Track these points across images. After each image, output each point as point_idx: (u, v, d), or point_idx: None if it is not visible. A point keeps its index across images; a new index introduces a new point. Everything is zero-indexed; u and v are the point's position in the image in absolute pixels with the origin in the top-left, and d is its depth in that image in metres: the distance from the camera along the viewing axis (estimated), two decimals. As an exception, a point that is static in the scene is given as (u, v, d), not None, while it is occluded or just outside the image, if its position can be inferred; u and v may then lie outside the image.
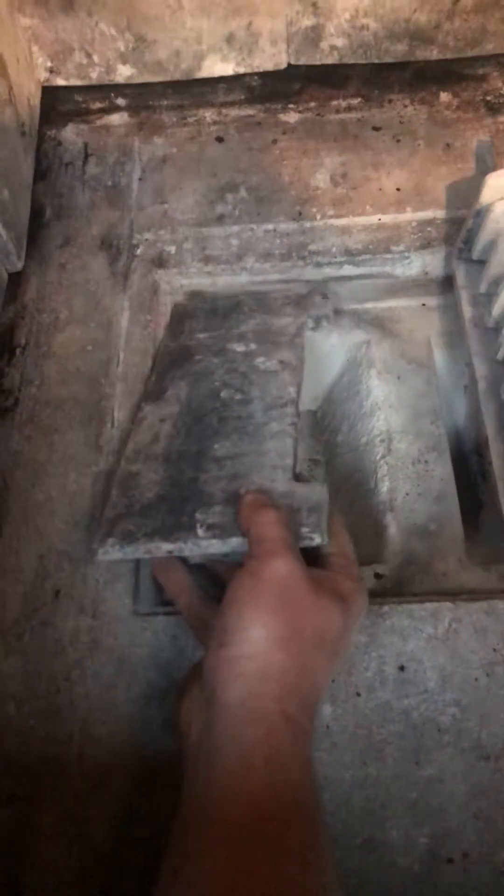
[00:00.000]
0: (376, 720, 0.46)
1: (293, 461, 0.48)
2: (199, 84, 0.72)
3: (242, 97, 0.74)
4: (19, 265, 0.63)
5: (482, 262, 0.58)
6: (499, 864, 0.42)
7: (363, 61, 0.70)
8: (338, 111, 0.73)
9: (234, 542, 0.43)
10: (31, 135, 0.67)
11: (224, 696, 0.37)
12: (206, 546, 0.44)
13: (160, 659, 0.48)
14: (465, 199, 0.65)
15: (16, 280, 0.64)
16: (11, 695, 0.47)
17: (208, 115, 0.74)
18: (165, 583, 0.49)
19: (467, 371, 0.59)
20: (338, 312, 0.65)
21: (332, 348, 0.66)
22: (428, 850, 0.42)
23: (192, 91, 0.73)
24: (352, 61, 0.70)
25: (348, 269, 0.65)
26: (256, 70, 0.71)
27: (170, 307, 0.66)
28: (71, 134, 0.73)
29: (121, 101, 0.74)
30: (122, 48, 0.68)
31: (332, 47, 0.69)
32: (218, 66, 0.70)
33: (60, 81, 0.71)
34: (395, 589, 0.52)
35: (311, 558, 0.42)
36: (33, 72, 0.69)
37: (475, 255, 0.59)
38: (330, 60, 0.70)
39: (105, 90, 0.73)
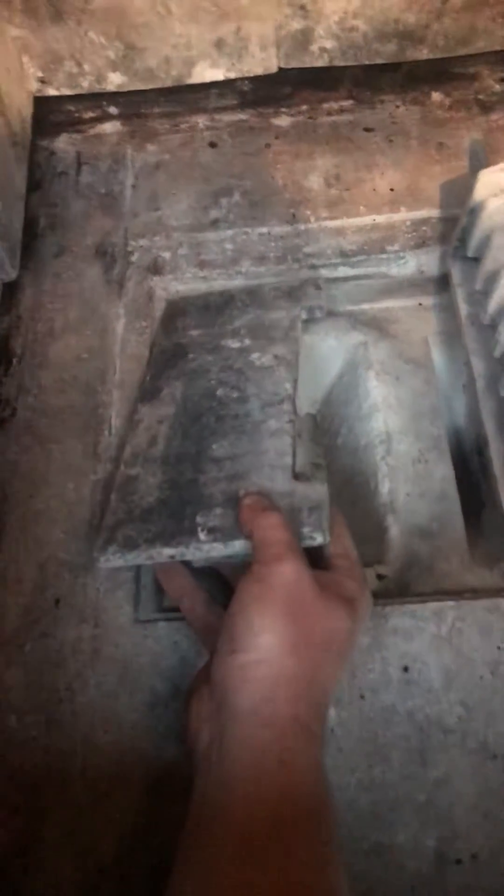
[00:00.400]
0: (381, 722, 0.45)
1: (292, 460, 0.47)
2: (191, 90, 0.72)
3: (234, 102, 0.74)
4: (14, 275, 0.63)
5: (477, 260, 0.58)
6: (508, 865, 0.41)
7: (353, 63, 0.70)
8: (330, 113, 0.73)
9: (237, 545, 0.43)
10: (23, 145, 0.67)
11: (236, 701, 0.36)
12: (207, 550, 0.44)
13: (162, 666, 0.48)
14: (459, 197, 0.64)
15: (10, 290, 0.64)
16: (13, 706, 0.47)
17: (201, 120, 0.74)
18: (168, 585, 0.48)
19: (465, 369, 0.59)
20: (332, 314, 0.64)
21: (329, 350, 0.66)
22: (436, 852, 0.42)
23: (184, 97, 0.73)
24: (342, 63, 0.70)
25: (343, 271, 0.65)
26: (247, 75, 0.71)
27: (165, 312, 0.65)
28: (64, 144, 0.73)
29: (113, 110, 0.74)
30: (113, 56, 0.68)
31: (322, 50, 0.69)
32: (208, 72, 0.70)
33: (52, 91, 0.71)
34: (397, 590, 0.52)
35: (314, 558, 0.42)
36: (24, 82, 0.69)
37: (470, 252, 0.59)
38: (320, 63, 0.70)
39: (97, 99, 0.73)
